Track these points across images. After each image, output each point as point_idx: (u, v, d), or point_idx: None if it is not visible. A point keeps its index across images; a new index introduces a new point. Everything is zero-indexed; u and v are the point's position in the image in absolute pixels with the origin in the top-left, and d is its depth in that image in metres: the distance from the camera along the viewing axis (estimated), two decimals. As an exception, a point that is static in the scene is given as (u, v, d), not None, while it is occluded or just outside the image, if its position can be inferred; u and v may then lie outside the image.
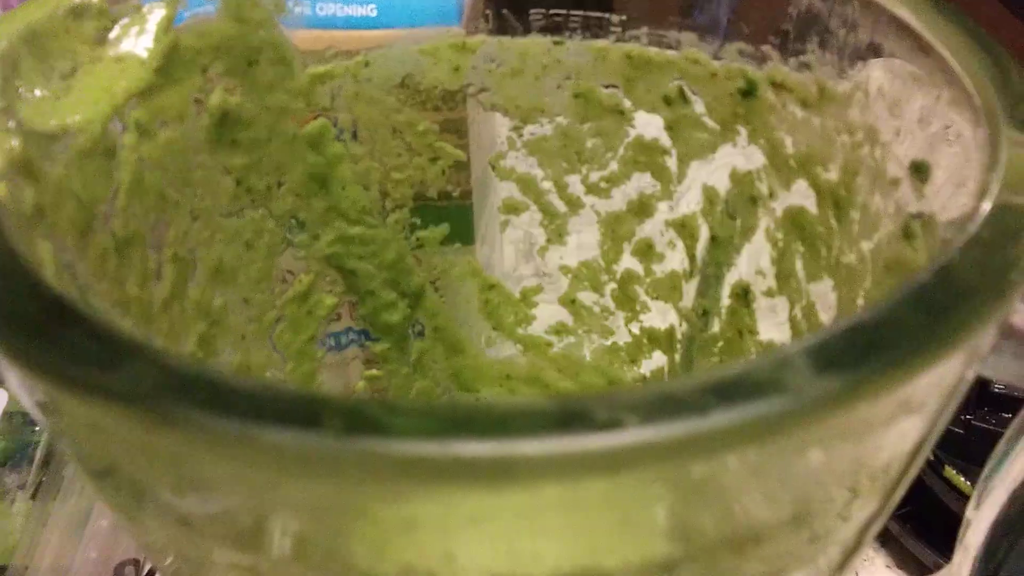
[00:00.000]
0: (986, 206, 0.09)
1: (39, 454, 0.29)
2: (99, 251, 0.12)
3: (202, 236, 0.16)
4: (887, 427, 0.08)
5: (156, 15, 0.14)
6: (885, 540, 0.30)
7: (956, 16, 0.12)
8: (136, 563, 0.31)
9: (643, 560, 0.07)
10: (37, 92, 0.12)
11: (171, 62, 0.14)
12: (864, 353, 0.07)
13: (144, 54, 0.14)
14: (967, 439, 0.29)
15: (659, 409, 0.06)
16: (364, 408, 0.07)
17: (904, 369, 0.07)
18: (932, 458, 0.28)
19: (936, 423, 0.10)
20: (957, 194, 0.11)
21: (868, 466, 0.08)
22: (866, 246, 0.14)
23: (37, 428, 0.29)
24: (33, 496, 0.27)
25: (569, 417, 0.06)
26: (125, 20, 0.14)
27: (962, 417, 0.30)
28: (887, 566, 0.30)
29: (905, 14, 0.13)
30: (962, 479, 0.28)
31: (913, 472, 0.10)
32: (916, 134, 0.13)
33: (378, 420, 0.06)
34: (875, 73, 0.14)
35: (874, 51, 0.13)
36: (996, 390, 0.30)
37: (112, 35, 0.14)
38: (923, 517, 0.29)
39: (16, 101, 0.12)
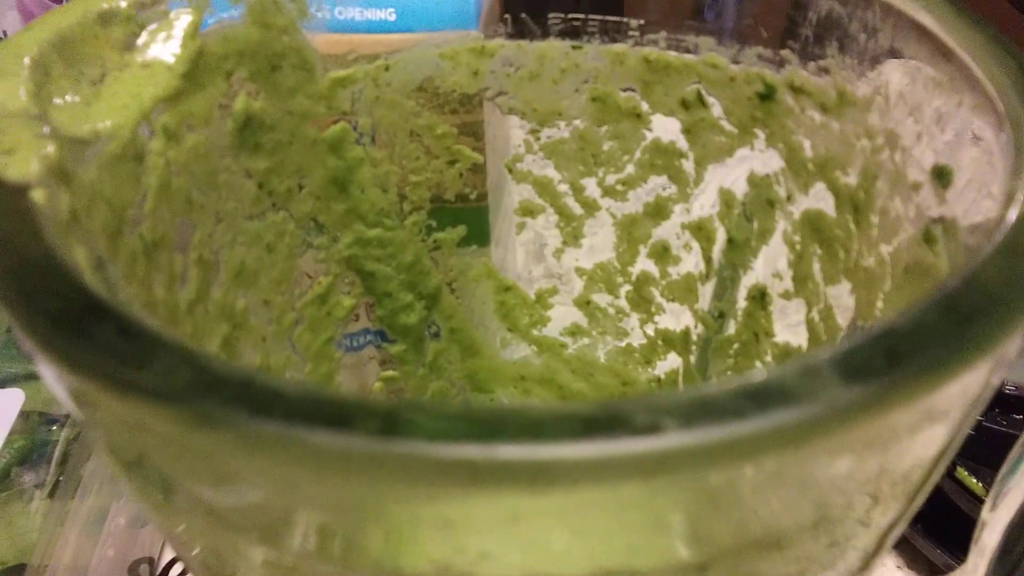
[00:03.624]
0: (1013, 214, 0.09)
1: (56, 453, 0.29)
2: (129, 254, 0.13)
3: (225, 239, 0.16)
4: (913, 434, 0.08)
5: (183, 21, 0.14)
6: (897, 541, 0.30)
7: (977, 21, 0.12)
8: (151, 561, 0.31)
9: (673, 561, 0.08)
10: (68, 98, 0.12)
11: (197, 68, 0.14)
12: (892, 361, 0.07)
13: (171, 60, 0.14)
14: (979, 441, 0.29)
15: (697, 413, 0.06)
16: (403, 411, 0.07)
17: (932, 377, 0.07)
18: (945, 460, 0.28)
19: (960, 430, 0.10)
20: (980, 199, 0.11)
21: (891, 472, 0.09)
22: (885, 249, 0.14)
23: (54, 427, 0.30)
24: (51, 495, 0.28)
25: (609, 421, 0.06)
26: (153, 26, 0.14)
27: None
28: (898, 567, 0.30)
29: (926, 19, 0.13)
30: (973, 480, 0.28)
31: (935, 478, 0.11)
32: (937, 139, 0.13)
33: (417, 423, 0.07)
34: (895, 77, 0.14)
35: (894, 56, 0.13)
36: (1008, 392, 0.30)
37: (140, 41, 0.14)
38: (934, 518, 0.29)
39: (49, 107, 0.12)
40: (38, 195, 0.10)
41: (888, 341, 0.07)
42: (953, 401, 0.08)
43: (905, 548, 0.30)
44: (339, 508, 0.08)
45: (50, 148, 0.11)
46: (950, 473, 0.28)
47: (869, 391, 0.07)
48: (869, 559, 0.11)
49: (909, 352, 0.07)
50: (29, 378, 0.31)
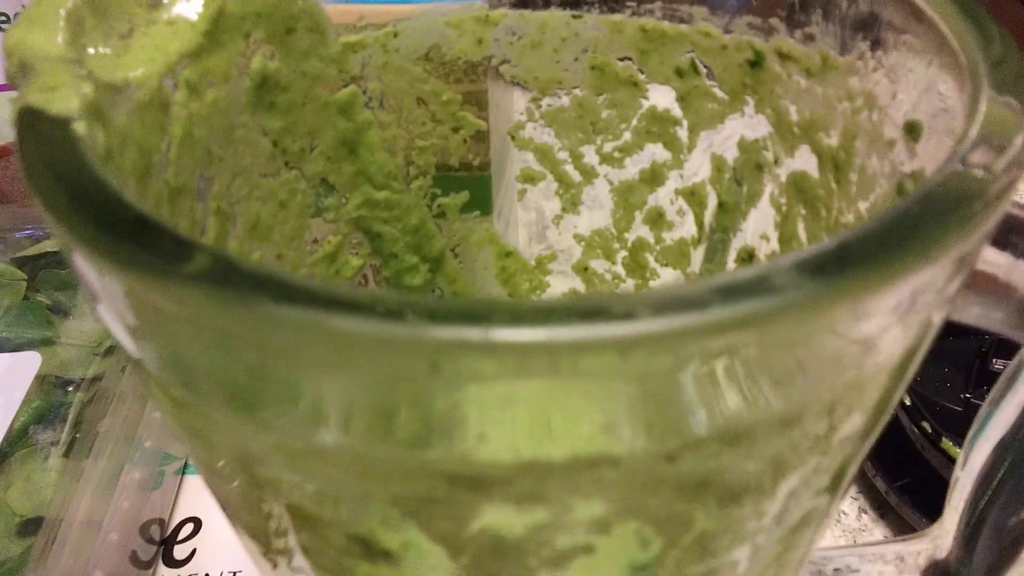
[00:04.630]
0: (963, 148, 0.10)
1: (71, 414, 0.30)
2: (155, 197, 0.14)
3: (241, 192, 0.17)
4: (865, 335, 0.09)
5: (205, -18, 0.15)
6: (884, 511, 0.31)
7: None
8: (161, 522, 0.32)
9: (648, 448, 0.09)
10: (100, 49, 0.13)
11: (217, 27, 0.15)
12: (844, 263, 0.08)
13: (194, 18, 0.15)
14: (965, 416, 0.30)
15: (669, 304, 0.07)
16: (409, 301, 0.08)
17: (877, 276, 0.08)
18: (930, 431, 0.29)
19: (914, 350, 0.11)
20: (944, 149, 0.12)
21: (849, 375, 0.09)
22: (863, 205, 0.15)
23: (69, 389, 0.31)
24: (66, 454, 0.29)
25: (591, 310, 0.07)
26: (177, -15, 0.15)
27: (961, 395, 0.31)
28: (886, 536, 0.31)
29: (901, -16, 0.13)
30: (958, 452, 0.29)
31: (893, 400, 0.11)
32: (910, 97, 0.14)
33: (421, 310, 0.08)
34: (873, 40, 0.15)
35: (874, 20, 0.14)
36: (995, 369, 0.31)
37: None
38: (921, 489, 0.30)
39: (83, 55, 0.13)
40: (80, 127, 0.11)
41: (843, 248, 0.08)
42: (901, 306, 0.09)
43: (893, 518, 0.31)
44: (357, 390, 0.08)
45: (87, 88, 0.11)
46: (937, 445, 0.29)
47: (822, 286, 0.08)
48: (838, 476, 0.12)
49: (860, 256, 0.08)
50: (45, 343, 0.32)
